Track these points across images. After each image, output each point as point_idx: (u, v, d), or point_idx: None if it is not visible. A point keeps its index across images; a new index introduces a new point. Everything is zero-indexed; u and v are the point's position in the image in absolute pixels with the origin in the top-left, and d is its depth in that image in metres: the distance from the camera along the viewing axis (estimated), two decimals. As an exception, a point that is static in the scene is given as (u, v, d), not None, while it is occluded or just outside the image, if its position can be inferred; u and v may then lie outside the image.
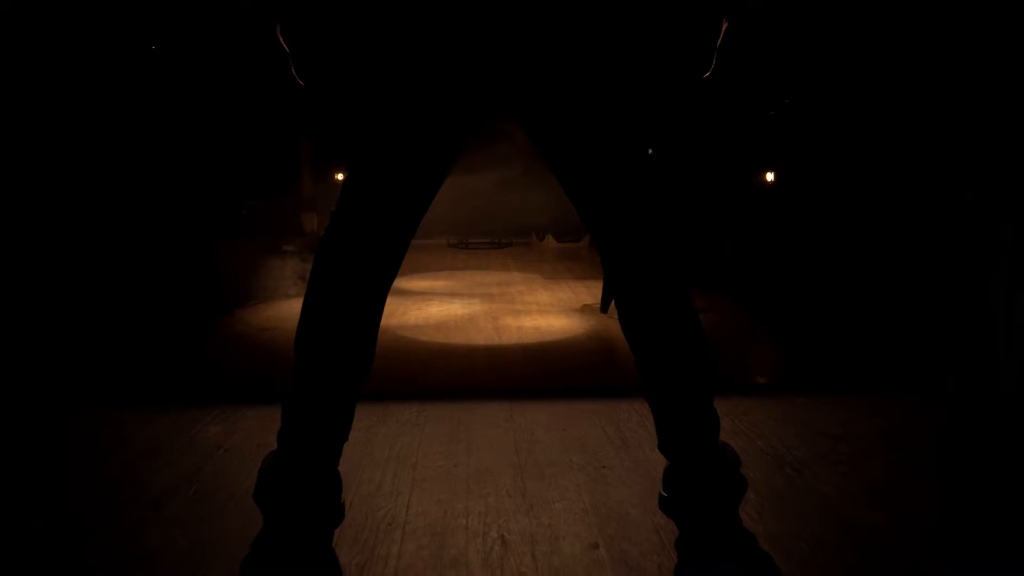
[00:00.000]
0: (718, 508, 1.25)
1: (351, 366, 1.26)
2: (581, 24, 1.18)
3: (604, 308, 6.50)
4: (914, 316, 2.39)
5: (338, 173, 12.18)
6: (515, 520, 1.38)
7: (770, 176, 9.04)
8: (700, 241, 9.12)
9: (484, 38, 1.15)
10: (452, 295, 8.32)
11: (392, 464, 1.64)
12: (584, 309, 6.86)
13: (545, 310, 7.40)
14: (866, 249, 4.21)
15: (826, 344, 2.82)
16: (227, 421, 1.91)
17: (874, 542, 1.30)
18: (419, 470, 1.61)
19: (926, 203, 2.65)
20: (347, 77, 1.35)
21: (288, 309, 7.44)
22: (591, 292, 7.23)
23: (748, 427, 1.86)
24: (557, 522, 1.37)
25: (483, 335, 6.64)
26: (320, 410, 1.26)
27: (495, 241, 11.91)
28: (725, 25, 1.36)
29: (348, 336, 1.25)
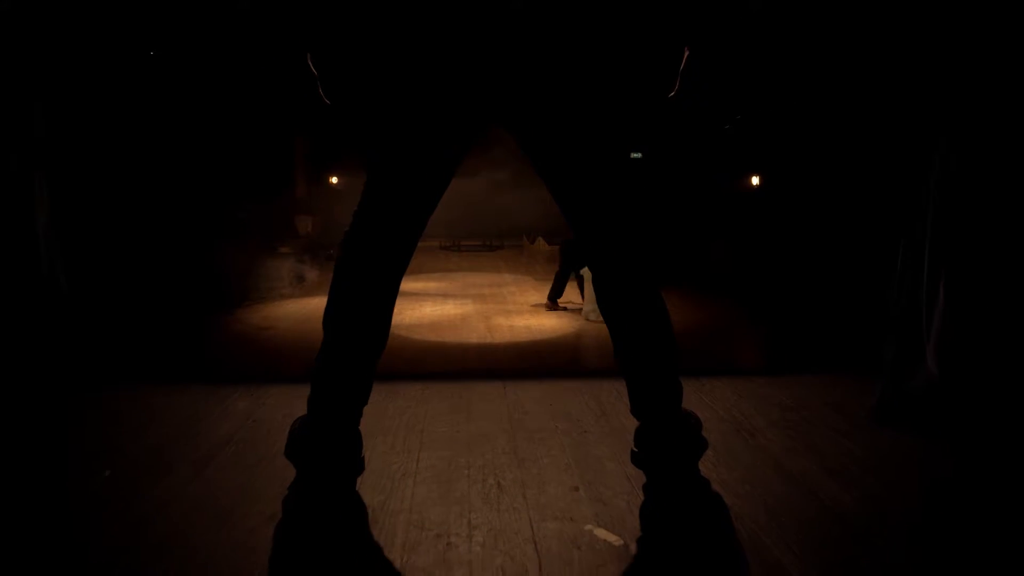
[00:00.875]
0: (679, 460, 1.53)
1: (370, 339, 1.53)
2: (564, 51, 1.45)
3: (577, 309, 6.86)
4: (873, 305, 2.67)
5: (332, 177, 12.44)
6: (509, 471, 1.66)
7: (755, 180, 9.37)
8: (691, 242, 9.45)
9: (484, 63, 1.43)
10: (445, 296, 8.57)
11: (402, 431, 1.91)
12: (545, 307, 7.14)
13: (536, 310, 7.68)
14: (837, 248, 4.52)
15: (795, 333, 3.09)
16: (253, 396, 2.18)
17: (804, 485, 1.58)
18: (426, 435, 1.89)
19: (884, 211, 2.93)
20: (367, 95, 1.62)
21: (284, 309, 7.69)
22: (579, 293, 7.51)
23: (713, 401, 2.15)
24: (544, 472, 1.65)
25: (476, 334, 6.92)
26: (344, 377, 1.53)
27: (486, 243, 12.19)
28: (687, 53, 1.64)
29: (367, 314, 1.53)
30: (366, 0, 1.55)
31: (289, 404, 2.05)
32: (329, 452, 1.53)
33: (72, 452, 1.79)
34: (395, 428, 1.93)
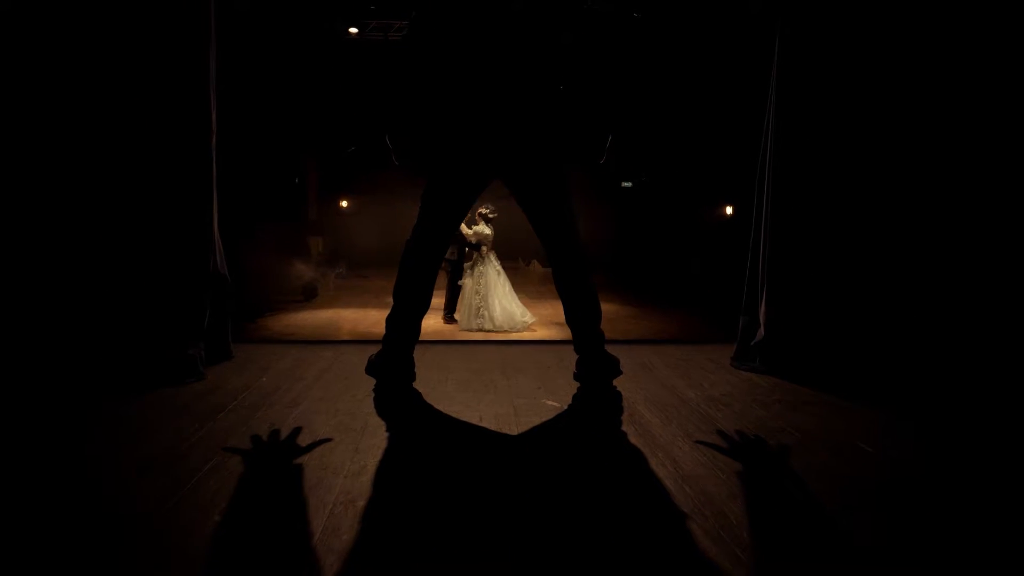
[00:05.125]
0: (601, 376, 2.84)
1: (420, 301, 2.84)
2: (537, 139, 2.78)
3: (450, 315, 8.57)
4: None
5: (342, 201, 13.83)
6: (500, 381, 2.97)
7: (729, 209, 10.78)
8: (673, 259, 10.80)
9: (493, 146, 2.75)
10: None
11: (434, 367, 3.22)
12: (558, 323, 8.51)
13: (531, 325, 8.97)
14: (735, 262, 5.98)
15: (709, 320, 4.42)
16: (335, 350, 3.51)
17: (672, 390, 2.89)
18: (449, 368, 3.20)
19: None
20: (424, 156, 2.95)
21: (302, 319, 9.01)
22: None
23: (636, 355, 3.47)
24: (520, 382, 2.96)
25: (473, 340, 8.20)
26: (405, 323, 2.84)
27: (485, 265, 13.53)
28: (610, 138, 2.97)
29: (420, 285, 2.84)
30: (424, 109, 2.89)
31: (359, 353, 3.37)
32: (396, 367, 2.85)
33: (242, 369, 3.10)
34: (429, 364, 3.24)
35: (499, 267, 8.55)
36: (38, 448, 2.18)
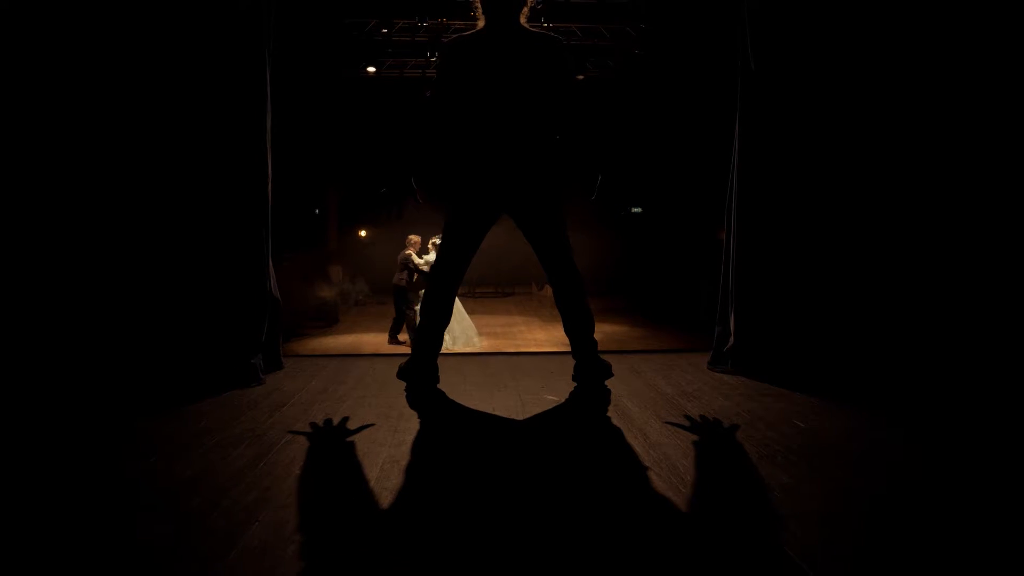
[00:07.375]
0: (594, 377, 3.50)
1: (443, 316, 3.53)
2: (538, 181, 3.46)
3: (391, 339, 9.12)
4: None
5: (361, 230, 14.61)
6: (510, 383, 3.63)
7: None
8: (683, 281, 11.44)
9: (501, 187, 3.44)
10: (464, 332, 10.45)
11: (453, 373, 3.89)
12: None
13: (542, 345, 9.70)
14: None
15: (705, 334, 5.11)
16: (369, 361, 4.19)
17: (653, 387, 3.54)
18: (466, 373, 3.87)
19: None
20: (443, 196, 3.64)
21: (326, 343, 9.70)
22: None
23: (627, 363, 4.12)
24: (527, 383, 3.62)
25: (490, 358, 8.80)
26: (430, 335, 3.52)
27: (499, 290, 14.26)
28: (600, 178, 3.65)
29: (443, 303, 3.52)
30: (444, 157, 3.59)
31: (389, 364, 4.05)
32: (423, 371, 3.51)
33: (293, 376, 3.79)
34: (450, 371, 3.90)
35: None
36: (146, 432, 2.87)
